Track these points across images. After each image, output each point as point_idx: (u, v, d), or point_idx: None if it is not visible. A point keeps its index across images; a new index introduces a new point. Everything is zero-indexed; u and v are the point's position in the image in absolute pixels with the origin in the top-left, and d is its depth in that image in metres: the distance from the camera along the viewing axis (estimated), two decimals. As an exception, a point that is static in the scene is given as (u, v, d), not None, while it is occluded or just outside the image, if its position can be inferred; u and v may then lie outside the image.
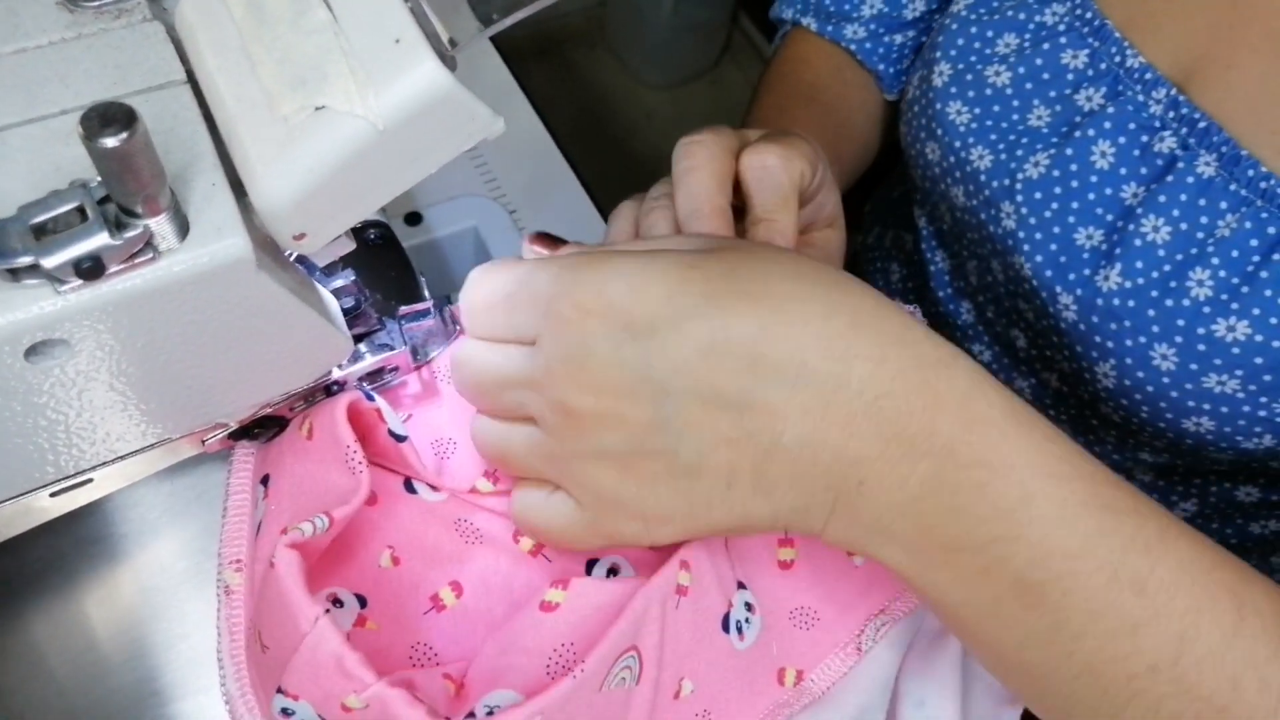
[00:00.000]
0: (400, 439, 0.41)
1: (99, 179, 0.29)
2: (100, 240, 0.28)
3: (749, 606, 0.41)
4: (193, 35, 0.33)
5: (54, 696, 0.41)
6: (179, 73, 0.33)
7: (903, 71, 0.68)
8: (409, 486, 0.43)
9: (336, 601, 0.40)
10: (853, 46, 0.68)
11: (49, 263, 0.28)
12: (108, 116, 0.26)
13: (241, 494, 0.42)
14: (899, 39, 0.67)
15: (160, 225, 0.29)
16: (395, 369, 0.44)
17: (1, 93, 0.31)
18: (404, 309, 0.44)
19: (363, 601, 0.40)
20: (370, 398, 0.41)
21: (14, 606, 0.42)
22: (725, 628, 0.40)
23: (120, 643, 0.43)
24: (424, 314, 0.44)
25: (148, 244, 0.29)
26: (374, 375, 0.43)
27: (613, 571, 0.43)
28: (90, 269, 0.28)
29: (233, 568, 0.40)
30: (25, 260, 0.27)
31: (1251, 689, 0.34)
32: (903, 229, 0.75)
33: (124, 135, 0.26)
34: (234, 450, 0.43)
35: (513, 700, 0.36)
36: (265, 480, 0.42)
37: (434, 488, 0.44)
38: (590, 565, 0.43)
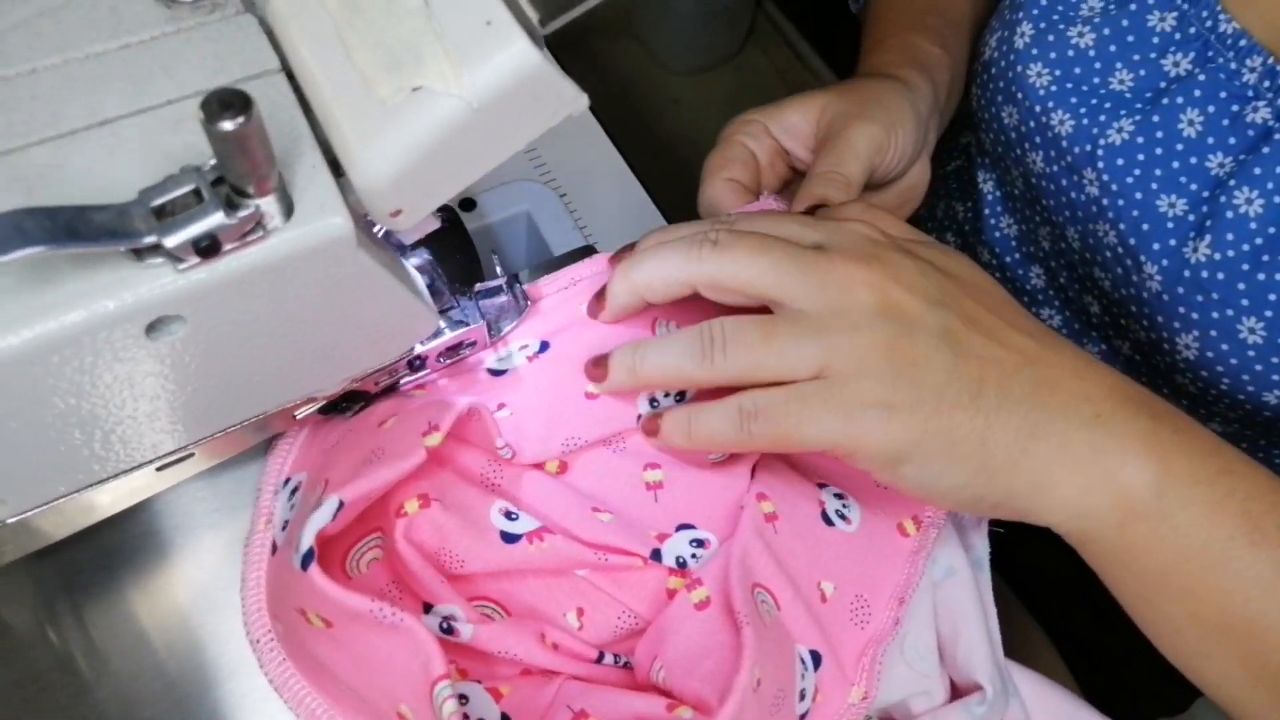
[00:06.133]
0: (310, 554, 0.37)
1: (210, 163, 0.30)
2: (216, 220, 0.30)
3: (839, 496, 0.44)
4: (285, 26, 0.34)
5: (111, 688, 0.41)
6: (274, 62, 0.34)
7: None
8: (434, 615, 0.41)
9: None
10: None
11: (170, 242, 0.29)
12: (226, 101, 0.28)
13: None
14: None
15: (269, 205, 0.31)
16: (473, 343, 0.45)
17: (111, 86, 0.33)
18: (479, 285, 0.45)
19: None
20: (310, 558, 0.37)
21: (66, 603, 0.43)
22: (829, 522, 0.43)
23: (172, 635, 0.42)
24: (497, 290, 0.46)
25: (258, 223, 0.31)
26: (452, 350, 0.45)
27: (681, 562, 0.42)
28: (208, 247, 0.30)
29: None
30: (149, 240, 0.29)
31: None
32: (955, 200, 0.75)
33: (241, 119, 0.28)
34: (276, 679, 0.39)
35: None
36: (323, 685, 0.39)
37: (450, 629, 0.41)
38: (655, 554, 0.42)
